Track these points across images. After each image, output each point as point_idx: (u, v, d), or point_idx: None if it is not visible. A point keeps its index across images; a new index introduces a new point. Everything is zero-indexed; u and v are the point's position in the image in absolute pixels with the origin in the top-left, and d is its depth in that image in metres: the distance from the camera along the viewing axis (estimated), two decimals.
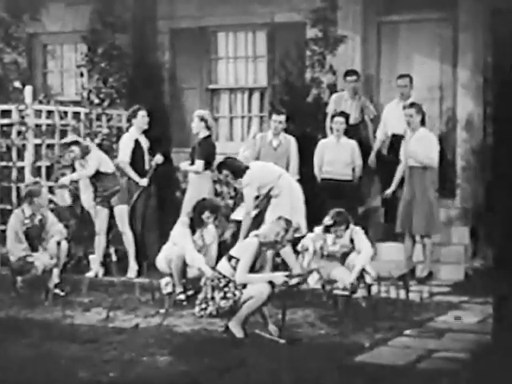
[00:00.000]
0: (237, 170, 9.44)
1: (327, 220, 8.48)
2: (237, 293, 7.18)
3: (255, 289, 7.17)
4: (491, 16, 10.20)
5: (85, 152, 10.09)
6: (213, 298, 7.23)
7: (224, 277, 7.26)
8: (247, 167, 9.47)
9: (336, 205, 8.86)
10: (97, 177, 10.12)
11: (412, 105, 9.75)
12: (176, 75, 12.54)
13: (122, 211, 10.11)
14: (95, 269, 10.01)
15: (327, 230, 8.51)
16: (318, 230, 8.60)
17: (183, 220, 9.05)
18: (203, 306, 7.28)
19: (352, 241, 8.51)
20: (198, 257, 8.66)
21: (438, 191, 9.83)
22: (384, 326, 7.56)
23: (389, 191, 9.97)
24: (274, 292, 7.30)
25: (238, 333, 7.21)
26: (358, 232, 8.55)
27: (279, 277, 7.30)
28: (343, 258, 8.55)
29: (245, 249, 7.34)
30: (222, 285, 7.24)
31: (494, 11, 9.87)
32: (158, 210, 10.51)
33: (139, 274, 9.90)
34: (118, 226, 10.12)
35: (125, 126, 11.68)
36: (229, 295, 7.19)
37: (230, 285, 7.22)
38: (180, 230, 8.87)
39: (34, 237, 9.33)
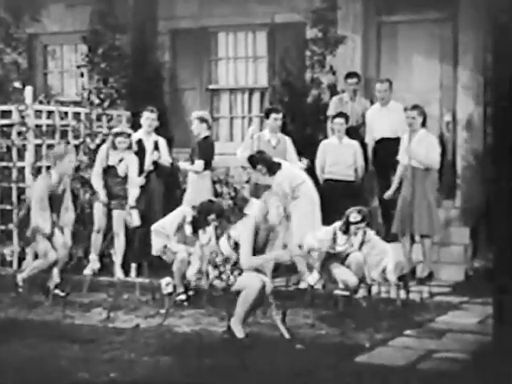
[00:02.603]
0: (272, 166, 9.33)
1: (355, 216, 8.44)
2: (231, 278, 7.15)
3: (246, 280, 7.13)
4: (491, 16, 10.23)
5: (129, 147, 10.17)
6: (207, 273, 7.19)
7: (222, 254, 7.22)
8: (280, 164, 9.36)
9: (340, 205, 8.86)
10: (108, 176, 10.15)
11: (414, 107, 9.76)
12: (176, 75, 12.55)
13: (120, 215, 10.13)
14: (92, 265, 10.01)
15: (346, 228, 8.49)
16: (328, 229, 8.60)
17: (185, 210, 9.08)
18: (198, 276, 7.28)
19: (362, 243, 8.51)
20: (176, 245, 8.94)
21: (439, 191, 9.84)
22: (384, 326, 7.56)
23: (390, 192, 9.98)
24: (265, 291, 7.23)
25: (239, 333, 7.20)
26: (371, 234, 8.56)
27: (285, 254, 7.22)
28: (344, 257, 8.56)
29: (243, 229, 7.31)
30: (217, 261, 7.19)
31: (494, 11, 9.88)
32: (160, 209, 10.49)
33: (139, 273, 9.91)
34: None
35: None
36: (223, 277, 7.16)
37: (227, 267, 7.17)
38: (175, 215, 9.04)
39: (54, 207, 9.24)
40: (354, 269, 8.43)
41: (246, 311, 7.21)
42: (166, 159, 10.54)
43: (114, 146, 10.14)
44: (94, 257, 10.09)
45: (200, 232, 8.90)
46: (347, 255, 8.50)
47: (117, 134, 10.15)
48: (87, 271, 9.97)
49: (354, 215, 8.41)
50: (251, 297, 7.15)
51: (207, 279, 7.22)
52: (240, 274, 7.17)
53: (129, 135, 10.19)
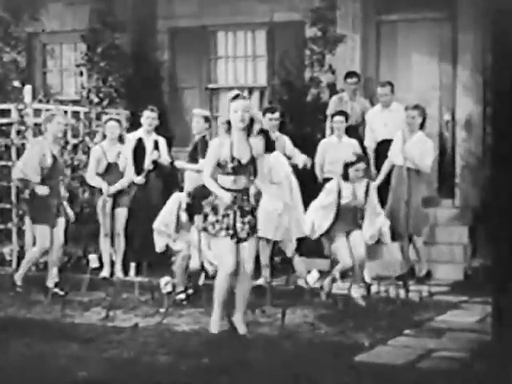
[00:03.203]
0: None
1: (350, 157, 8.73)
2: (219, 234, 7.10)
3: (220, 255, 7.13)
4: (491, 16, 10.23)
5: (121, 136, 10.19)
6: (206, 216, 7.20)
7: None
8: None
9: None
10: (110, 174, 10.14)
11: (416, 107, 9.74)
12: (175, 74, 12.56)
13: (121, 213, 10.13)
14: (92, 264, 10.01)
15: (346, 173, 8.64)
16: (331, 184, 8.77)
17: (180, 196, 9.03)
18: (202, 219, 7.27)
19: (367, 194, 8.64)
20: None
21: (437, 191, 9.84)
22: (383, 325, 7.56)
23: (376, 183, 9.94)
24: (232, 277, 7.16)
25: (241, 329, 7.18)
26: (374, 189, 8.67)
27: (226, 197, 7.05)
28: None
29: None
30: (216, 203, 7.13)
31: (494, 11, 9.88)
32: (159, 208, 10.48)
33: (138, 272, 9.89)
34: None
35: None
36: (216, 226, 7.10)
37: (224, 221, 7.09)
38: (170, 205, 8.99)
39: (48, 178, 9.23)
40: (356, 257, 8.53)
41: (222, 301, 7.18)
42: (165, 158, 10.54)
43: (105, 135, 10.13)
44: (94, 258, 10.04)
45: (196, 218, 8.81)
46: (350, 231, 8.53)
47: (107, 120, 10.15)
48: (104, 273, 9.98)
49: (348, 157, 8.74)
50: (221, 286, 7.13)
51: (204, 222, 7.14)
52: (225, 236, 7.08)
53: (118, 121, 10.16)
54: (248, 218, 7.14)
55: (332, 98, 11.02)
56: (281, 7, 11.72)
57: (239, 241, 7.16)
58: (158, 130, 10.68)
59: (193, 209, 8.82)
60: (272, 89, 11.95)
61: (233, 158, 7.05)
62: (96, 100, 11.78)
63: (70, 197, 10.33)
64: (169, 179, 10.87)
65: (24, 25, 13.03)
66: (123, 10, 12.23)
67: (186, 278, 8.89)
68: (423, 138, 9.76)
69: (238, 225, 7.09)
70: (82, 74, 12.36)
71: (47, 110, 10.96)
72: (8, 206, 10.76)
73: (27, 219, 10.24)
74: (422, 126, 9.77)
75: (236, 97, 7.09)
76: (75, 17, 12.51)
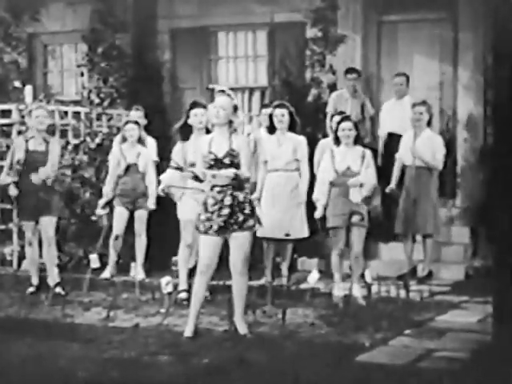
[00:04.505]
0: None
1: (336, 118, 8.92)
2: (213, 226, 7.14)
3: (200, 247, 7.19)
4: (491, 16, 10.23)
5: (141, 138, 10.09)
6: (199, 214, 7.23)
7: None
8: None
9: None
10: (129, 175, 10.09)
11: (423, 103, 9.69)
12: (176, 75, 12.56)
13: (142, 215, 10.08)
14: (111, 269, 9.97)
15: (336, 138, 8.69)
16: (325, 155, 8.82)
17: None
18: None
19: (363, 161, 8.62)
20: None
21: (438, 191, 9.82)
22: (384, 325, 7.56)
23: (391, 186, 9.84)
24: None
25: (241, 329, 7.17)
26: (368, 156, 8.69)
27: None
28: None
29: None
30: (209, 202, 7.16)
31: (494, 11, 9.88)
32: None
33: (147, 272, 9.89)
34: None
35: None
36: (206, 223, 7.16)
37: (215, 214, 7.12)
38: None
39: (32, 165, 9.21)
40: (352, 253, 8.62)
41: (195, 302, 7.24)
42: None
43: (124, 138, 10.07)
44: (94, 258, 10.01)
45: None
46: (353, 213, 8.58)
47: (126, 123, 10.12)
48: (105, 274, 9.95)
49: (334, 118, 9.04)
50: (194, 285, 7.24)
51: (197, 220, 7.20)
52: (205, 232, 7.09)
53: (137, 123, 10.11)
54: (243, 206, 7.07)
55: (331, 94, 11.01)
56: (281, 8, 11.73)
57: (232, 232, 7.09)
58: (156, 130, 10.67)
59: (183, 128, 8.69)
60: (273, 89, 11.95)
61: (210, 153, 7.10)
62: (97, 100, 11.78)
63: (70, 197, 10.32)
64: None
65: (25, 25, 13.04)
66: (124, 11, 12.24)
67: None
68: (432, 135, 9.69)
69: (233, 218, 7.04)
70: (82, 74, 12.37)
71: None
72: (9, 206, 10.75)
73: None
74: (429, 124, 9.71)
75: (221, 92, 7.11)
76: (76, 17, 12.52)
